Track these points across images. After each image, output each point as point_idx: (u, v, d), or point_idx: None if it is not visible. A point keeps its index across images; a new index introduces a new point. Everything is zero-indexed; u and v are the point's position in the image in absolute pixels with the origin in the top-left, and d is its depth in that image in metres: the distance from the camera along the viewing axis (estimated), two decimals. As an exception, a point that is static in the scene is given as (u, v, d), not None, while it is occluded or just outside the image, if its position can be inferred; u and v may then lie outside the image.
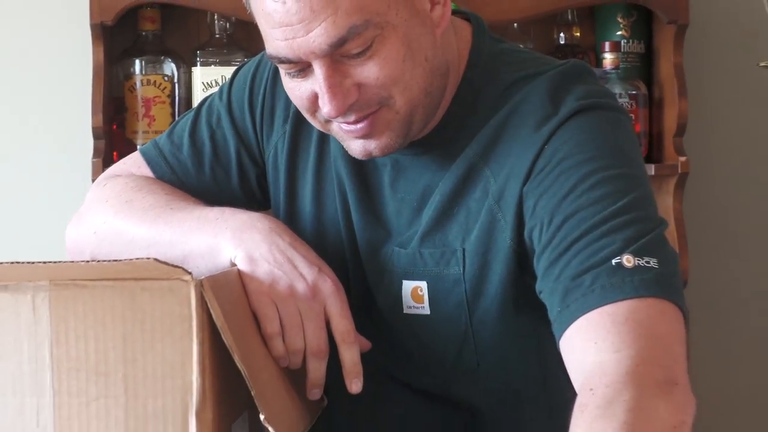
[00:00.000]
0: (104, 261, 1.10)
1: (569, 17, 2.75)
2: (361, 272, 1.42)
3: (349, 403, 1.39)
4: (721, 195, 2.86)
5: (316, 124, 1.37)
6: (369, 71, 1.27)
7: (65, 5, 2.66)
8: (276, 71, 1.44)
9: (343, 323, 1.30)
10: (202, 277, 1.09)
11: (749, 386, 2.88)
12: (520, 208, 1.32)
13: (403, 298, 1.39)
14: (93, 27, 2.50)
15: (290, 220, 1.46)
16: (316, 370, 1.31)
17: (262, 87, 1.50)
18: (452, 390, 1.43)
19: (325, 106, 1.28)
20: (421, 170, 1.40)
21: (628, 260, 1.22)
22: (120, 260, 1.08)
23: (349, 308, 1.33)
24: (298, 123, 1.46)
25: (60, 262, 1.11)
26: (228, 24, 2.59)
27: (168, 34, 2.67)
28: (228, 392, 1.16)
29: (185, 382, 1.07)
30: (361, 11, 1.24)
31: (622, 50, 2.69)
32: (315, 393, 1.32)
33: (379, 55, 1.27)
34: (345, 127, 1.32)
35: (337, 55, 1.26)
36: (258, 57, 1.53)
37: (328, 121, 1.33)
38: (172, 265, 1.06)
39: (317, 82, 1.28)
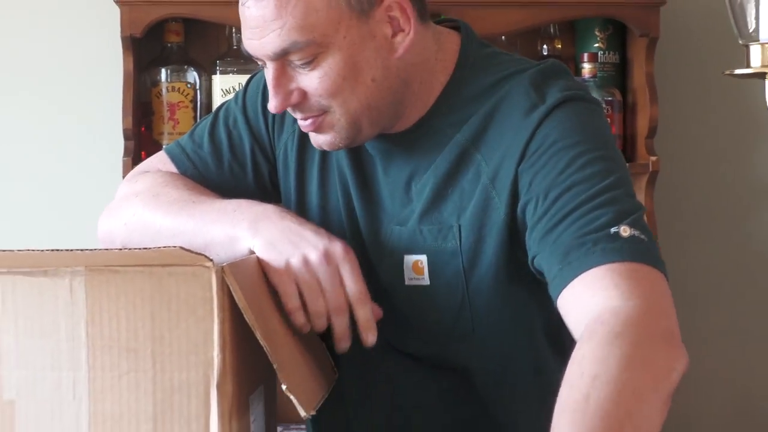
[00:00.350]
0: (134, 249, 1.09)
1: (551, 31, 2.75)
2: (363, 252, 1.41)
3: (354, 371, 1.43)
4: (688, 191, 2.86)
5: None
6: (310, 81, 1.32)
7: (99, 19, 2.66)
8: None
9: (356, 285, 1.30)
10: (224, 264, 1.09)
11: (714, 370, 2.88)
12: (515, 186, 1.33)
13: (405, 271, 1.39)
14: (123, 39, 2.50)
15: (299, 212, 1.46)
16: (341, 325, 1.30)
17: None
18: (448, 355, 1.43)
19: (269, 101, 1.35)
20: (408, 157, 1.41)
21: (624, 230, 1.23)
22: (148, 248, 1.09)
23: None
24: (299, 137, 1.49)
25: (94, 249, 1.11)
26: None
27: (191, 46, 2.67)
28: (245, 368, 1.16)
29: (207, 358, 1.07)
30: (304, 29, 1.28)
31: (599, 61, 2.69)
32: (342, 346, 1.32)
33: (321, 69, 1.30)
34: (301, 122, 1.38)
35: (287, 61, 1.31)
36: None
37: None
38: (196, 253, 1.06)
39: (270, 80, 1.34)
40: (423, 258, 1.38)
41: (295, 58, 1.30)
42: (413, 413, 1.47)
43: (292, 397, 1.12)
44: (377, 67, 1.33)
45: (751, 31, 1.36)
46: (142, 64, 2.59)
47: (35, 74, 2.71)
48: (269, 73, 1.33)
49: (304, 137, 1.46)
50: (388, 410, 1.48)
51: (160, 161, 1.55)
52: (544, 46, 2.73)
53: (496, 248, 1.35)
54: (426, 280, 1.39)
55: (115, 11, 2.51)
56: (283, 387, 1.13)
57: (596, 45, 2.72)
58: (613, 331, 1.12)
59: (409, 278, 1.39)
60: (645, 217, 1.29)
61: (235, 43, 2.62)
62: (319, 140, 1.38)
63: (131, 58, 2.52)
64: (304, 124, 1.37)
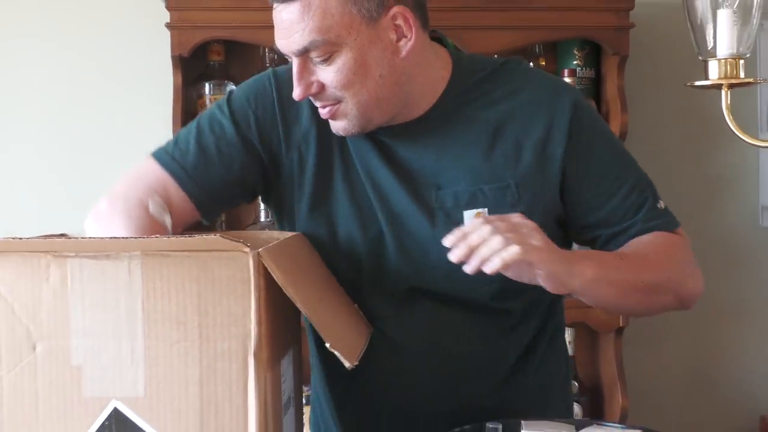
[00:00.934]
0: (183, 236, 1.09)
1: (537, 50, 2.75)
2: (407, 219, 1.41)
3: (386, 317, 1.42)
4: (656, 184, 2.84)
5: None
6: (327, 75, 1.34)
7: (152, 41, 2.66)
8: (279, 89, 1.46)
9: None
10: (259, 249, 1.08)
11: (675, 338, 2.87)
12: (565, 157, 1.41)
13: (465, 222, 1.38)
14: (173, 58, 2.50)
15: (323, 201, 1.43)
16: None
17: (269, 106, 1.46)
18: (477, 295, 1.41)
19: (294, 90, 1.36)
20: (431, 135, 1.42)
21: (660, 204, 1.49)
22: (194, 236, 1.08)
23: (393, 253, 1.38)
24: (321, 127, 1.44)
25: (149, 237, 1.11)
26: (276, 56, 2.57)
27: (230, 64, 2.66)
28: (277, 337, 1.16)
29: (245, 330, 1.07)
30: (322, 31, 1.30)
31: (578, 75, 2.69)
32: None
33: (335, 65, 1.33)
34: (320, 110, 1.39)
35: (308, 57, 1.34)
36: (255, 81, 1.49)
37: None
38: (235, 240, 1.06)
39: (294, 72, 1.35)
40: (485, 210, 1.40)
41: (315, 55, 1.33)
42: (449, 351, 1.44)
43: (335, 351, 1.12)
44: (384, 65, 1.35)
45: (709, 48, 1.35)
46: (189, 79, 2.58)
47: (101, 89, 2.71)
48: (294, 66, 1.35)
49: (322, 142, 1.44)
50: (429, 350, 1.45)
51: (147, 165, 1.49)
52: (531, 63, 2.72)
53: (547, 203, 1.42)
54: None
55: (166, 34, 2.51)
56: (327, 345, 1.12)
57: (575, 62, 2.71)
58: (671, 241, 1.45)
59: None
60: None
61: (267, 62, 2.61)
62: (335, 126, 1.40)
63: (180, 75, 2.51)
64: (323, 112, 1.39)
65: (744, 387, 2.90)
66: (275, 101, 1.45)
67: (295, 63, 1.34)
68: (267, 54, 2.61)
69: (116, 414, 1.07)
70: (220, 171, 1.43)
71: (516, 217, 1.28)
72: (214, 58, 2.62)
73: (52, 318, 1.07)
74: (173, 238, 1.08)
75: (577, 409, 2.63)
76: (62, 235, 1.25)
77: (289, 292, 1.09)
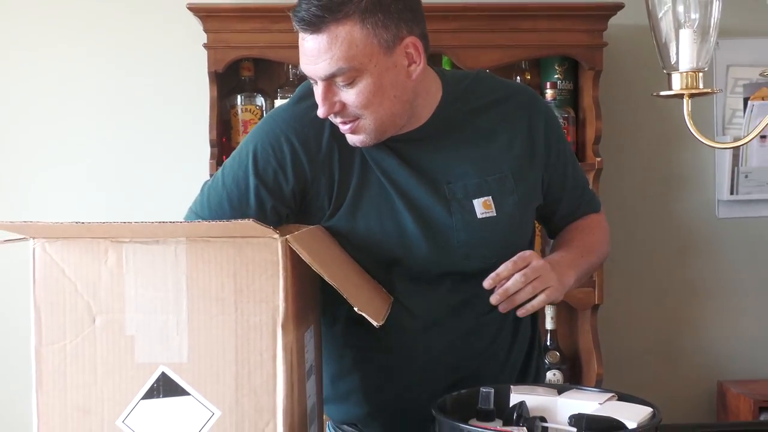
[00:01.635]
0: (221, 222, 1.08)
1: (523, 66, 2.74)
2: (427, 208, 1.41)
3: (411, 295, 1.42)
4: (624, 183, 2.85)
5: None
6: (349, 96, 1.34)
7: (191, 60, 2.66)
8: (297, 141, 1.40)
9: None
10: (287, 236, 1.08)
11: (642, 313, 2.87)
12: (547, 157, 1.49)
13: (476, 209, 1.42)
14: (209, 74, 2.50)
15: (353, 207, 1.40)
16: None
17: (289, 159, 1.39)
18: (488, 268, 1.41)
19: (318, 110, 1.35)
20: (434, 138, 1.44)
21: (590, 188, 1.62)
22: (230, 223, 1.06)
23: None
24: (341, 145, 1.41)
25: (192, 222, 1.10)
26: (298, 71, 2.58)
27: (259, 78, 2.66)
28: (301, 313, 1.16)
29: (274, 306, 1.07)
30: (347, 60, 1.30)
31: (558, 87, 2.68)
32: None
33: (357, 88, 1.33)
34: (340, 126, 1.38)
35: (333, 81, 1.33)
36: (271, 137, 1.41)
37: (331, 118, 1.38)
38: (266, 226, 1.05)
39: (318, 93, 1.35)
40: (490, 198, 1.43)
41: (339, 80, 1.32)
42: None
43: (363, 313, 1.12)
44: (398, 87, 1.35)
45: (673, 63, 1.35)
46: (223, 92, 2.59)
47: (148, 102, 2.72)
48: (319, 89, 1.34)
49: (342, 157, 1.41)
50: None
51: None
52: (517, 78, 2.72)
53: (533, 189, 1.48)
54: (494, 212, 1.43)
55: (204, 53, 2.51)
56: (356, 309, 1.12)
57: (556, 76, 2.70)
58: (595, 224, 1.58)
59: (481, 213, 1.42)
60: None
61: (291, 77, 2.62)
62: (353, 139, 1.39)
63: (215, 88, 2.52)
64: (343, 128, 1.38)
65: (703, 357, 2.89)
66: (297, 147, 1.39)
67: (321, 86, 1.33)
68: (291, 70, 2.62)
69: (163, 377, 1.07)
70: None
71: (535, 260, 1.38)
72: (245, 73, 2.62)
73: (109, 295, 1.07)
74: (213, 223, 1.07)
75: (558, 375, 2.63)
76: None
77: (317, 268, 1.09)
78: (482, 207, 1.42)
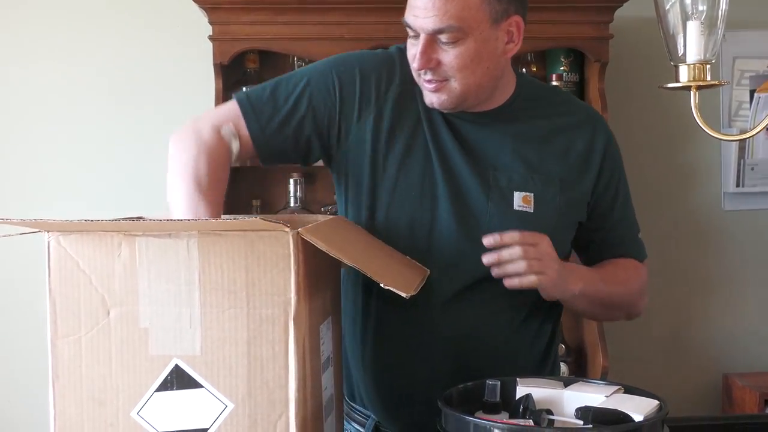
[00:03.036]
0: (232, 218, 1.09)
1: (528, 58, 2.75)
2: (466, 189, 1.44)
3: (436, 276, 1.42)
4: (633, 175, 2.84)
5: (415, 76, 1.43)
6: (448, 56, 1.38)
7: (197, 52, 2.67)
8: (362, 76, 1.47)
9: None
10: (299, 228, 1.08)
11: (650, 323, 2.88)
12: (597, 179, 1.50)
13: (515, 201, 1.44)
14: (215, 66, 2.52)
15: (381, 168, 1.46)
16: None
17: (353, 81, 1.46)
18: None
19: (415, 61, 1.39)
20: (502, 125, 1.47)
21: (639, 236, 1.60)
22: (241, 218, 1.08)
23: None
24: (398, 102, 1.47)
25: (204, 219, 1.10)
26: (304, 63, 2.58)
27: (264, 71, 2.67)
28: (315, 305, 1.16)
29: (286, 299, 1.07)
30: (458, 19, 1.35)
31: (564, 80, 2.69)
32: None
33: (458, 49, 1.37)
34: (425, 83, 1.41)
35: (435, 37, 1.37)
36: (341, 60, 1.50)
37: (419, 75, 1.41)
38: (276, 221, 1.06)
39: (419, 46, 1.37)
40: (531, 194, 1.45)
41: (443, 37, 1.36)
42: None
43: (390, 287, 1.11)
44: (492, 60, 1.40)
45: (680, 54, 1.36)
46: (228, 84, 2.60)
47: (155, 94, 2.74)
48: (419, 43, 1.37)
49: (395, 114, 1.46)
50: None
51: (230, 102, 1.50)
52: (524, 69, 2.73)
53: (577, 203, 1.48)
54: (531, 209, 1.45)
55: (209, 45, 2.52)
56: (381, 284, 1.11)
57: (562, 68, 2.71)
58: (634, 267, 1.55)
59: (518, 206, 1.44)
60: None
61: (296, 69, 2.61)
62: (432, 98, 1.42)
63: (221, 80, 2.53)
64: (428, 86, 1.41)
65: (709, 350, 2.91)
66: (359, 78, 1.46)
67: (423, 39, 1.37)
68: (296, 62, 2.62)
69: (177, 369, 1.08)
70: (287, 132, 1.45)
71: (544, 245, 1.36)
72: (250, 65, 2.64)
73: (123, 287, 1.08)
74: (225, 219, 1.08)
75: (564, 368, 2.65)
76: (139, 217, 1.26)
77: (335, 253, 1.09)
78: (521, 201, 1.45)
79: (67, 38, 2.71)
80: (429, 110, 1.46)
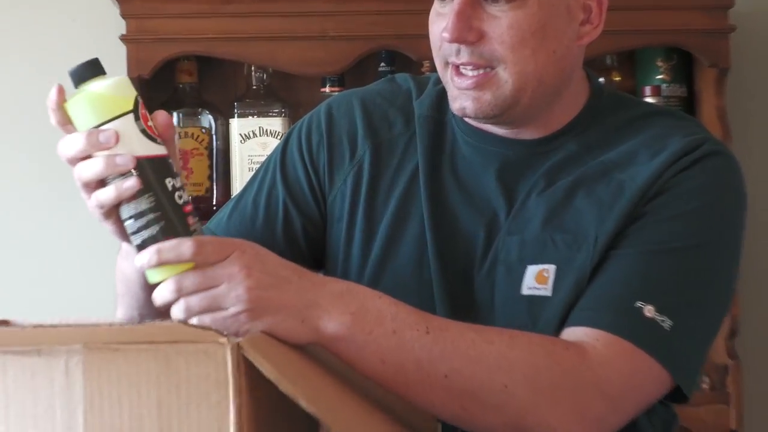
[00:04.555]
0: (137, 324, 1.08)
1: (608, 62, 2.77)
2: (458, 265, 1.48)
3: None
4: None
5: (438, 65, 1.47)
6: (497, 25, 1.39)
7: (104, 59, 2.67)
8: (328, 118, 1.58)
9: None
10: (239, 339, 1.07)
11: None
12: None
13: (525, 280, 1.44)
14: (131, 80, 2.51)
15: (368, 238, 1.53)
16: None
17: (316, 138, 1.58)
18: None
19: (446, 31, 1.40)
20: (535, 167, 1.50)
21: (648, 311, 1.36)
22: (154, 323, 1.08)
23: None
24: (375, 154, 1.55)
25: (93, 324, 1.09)
26: (265, 75, 2.59)
27: (205, 87, 2.68)
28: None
29: (223, 453, 1.06)
30: None
31: (663, 94, 2.70)
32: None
33: (514, 15, 1.39)
34: (457, 79, 1.43)
35: None
36: (307, 116, 1.63)
37: (447, 64, 1.44)
38: (205, 328, 1.06)
39: (454, 5, 1.39)
40: (551, 267, 1.43)
41: None
42: None
43: None
44: (561, 41, 1.43)
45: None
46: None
47: (36, 116, 2.74)
48: (456, 2, 1.39)
49: (374, 168, 1.54)
50: None
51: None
52: (602, 79, 2.72)
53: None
54: (548, 291, 1.43)
55: (122, 50, 2.52)
56: None
57: (659, 77, 2.73)
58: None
59: (529, 287, 1.44)
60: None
61: (254, 83, 2.63)
62: (468, 100, 1.43)
63: (140, 102, 2.53)
64: (466, 82, 1.42)
65: None
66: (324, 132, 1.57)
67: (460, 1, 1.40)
68: (254, 74, 2.62)
69: None
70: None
71: (235, 257, 1.19)
72: (184, 79, 2.65)
73: (-34, 435, 1.08)
74: (125, 325, 1.07)
75: None
76: (3, 321, 1.25)
77: (286, 387, 1.07)
78: (534, 280, 1.44)
79: None
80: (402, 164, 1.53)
